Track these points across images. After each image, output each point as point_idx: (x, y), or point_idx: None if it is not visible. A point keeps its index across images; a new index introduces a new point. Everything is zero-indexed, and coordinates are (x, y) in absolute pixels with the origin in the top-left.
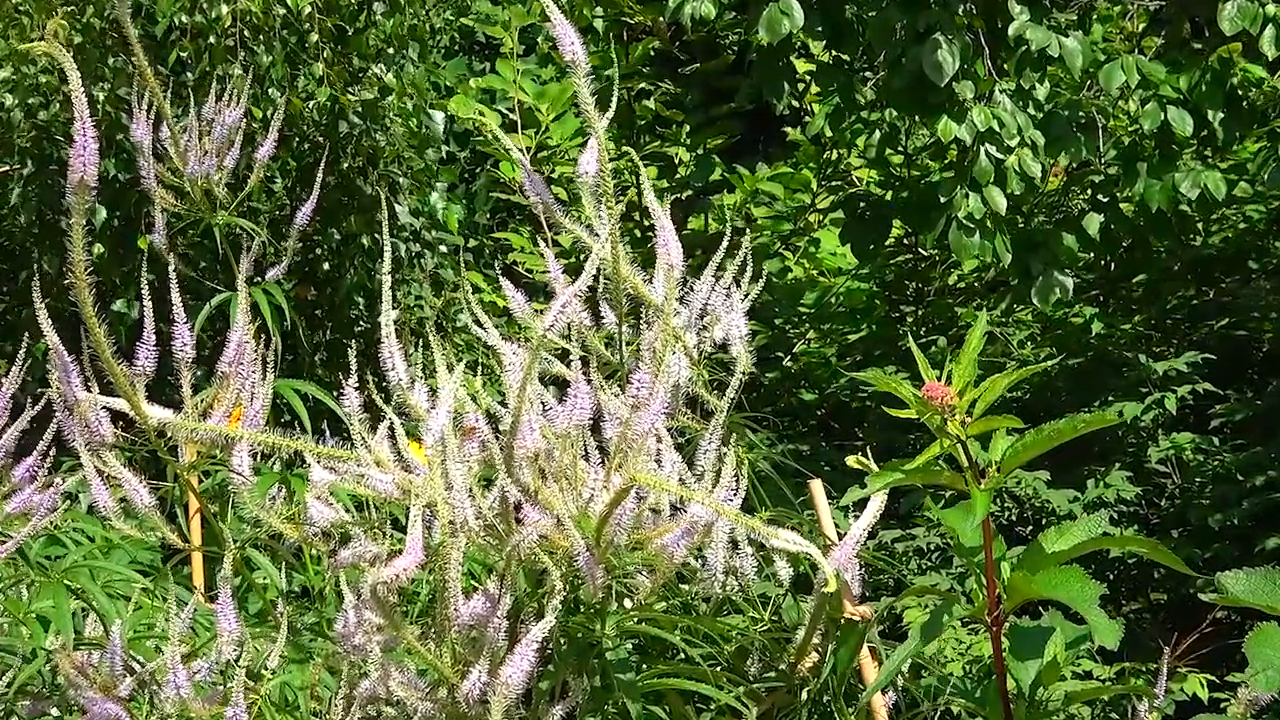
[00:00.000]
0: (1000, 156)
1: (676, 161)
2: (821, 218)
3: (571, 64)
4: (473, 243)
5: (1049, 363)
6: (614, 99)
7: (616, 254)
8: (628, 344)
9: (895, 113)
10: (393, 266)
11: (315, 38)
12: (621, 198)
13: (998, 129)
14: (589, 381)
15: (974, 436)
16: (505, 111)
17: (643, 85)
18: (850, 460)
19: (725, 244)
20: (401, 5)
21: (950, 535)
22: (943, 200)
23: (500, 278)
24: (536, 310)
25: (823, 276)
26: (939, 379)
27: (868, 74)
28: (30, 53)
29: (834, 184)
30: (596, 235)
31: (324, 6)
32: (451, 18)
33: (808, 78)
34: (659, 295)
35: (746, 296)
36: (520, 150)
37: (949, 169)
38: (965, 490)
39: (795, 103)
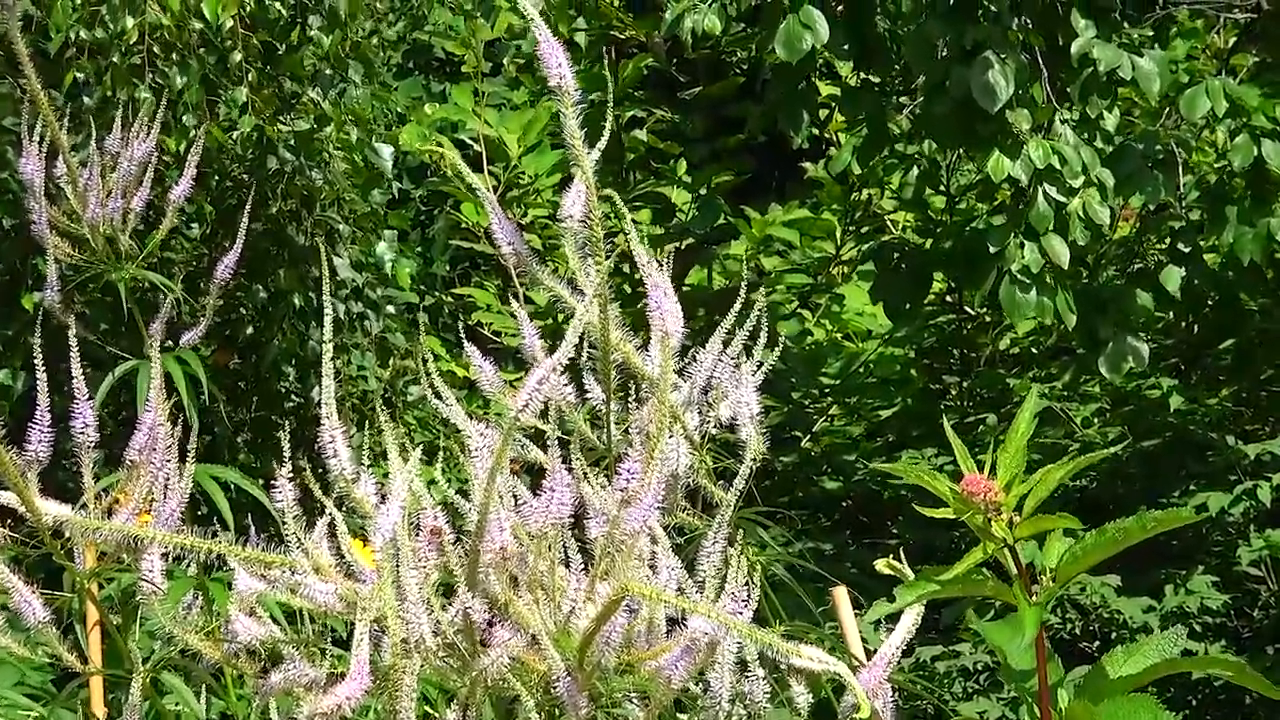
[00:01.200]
0: (1062, 199)
1: (674, 204)
2: (847, 270)
3: (558, 90)
4: (429, 300)
5: (1118, 446)
6: (605, 128)
7: (605, 317)
8: (617, 424)
9: (936, 146)
10: (331, 329)
11: (238, 57)
12: (610, 246)
13: (1059, 166)
14: (570, 470)
15: (1025, 538)
16: (469, 142)
17: (634, 112)
18: (880, 564)
19: (738, 303)
20: (342, 17)
21: (999, 654)
22: (993, 250)
23: (464, 341)
24: (506, 381)
25: (849, 341)
26: (984, 468)
27: (904, 99)
28: None
29: (862, 230)
30: (579, 292)
31: (249, 20)
32: (404, 31)
33: (831, 103)
34: (654, 367)
35: (759, 368)
36: (487, 190)
37: (999, 211)
38: (1015, 602)
39: (816, 132)
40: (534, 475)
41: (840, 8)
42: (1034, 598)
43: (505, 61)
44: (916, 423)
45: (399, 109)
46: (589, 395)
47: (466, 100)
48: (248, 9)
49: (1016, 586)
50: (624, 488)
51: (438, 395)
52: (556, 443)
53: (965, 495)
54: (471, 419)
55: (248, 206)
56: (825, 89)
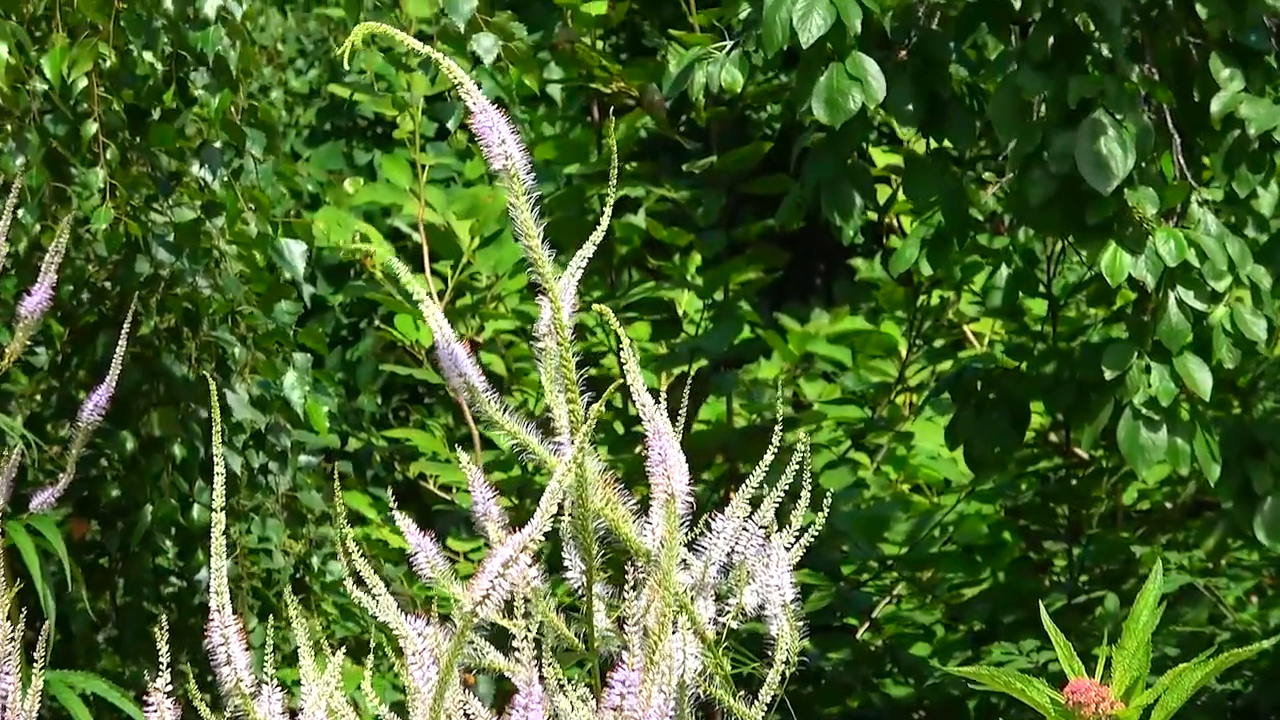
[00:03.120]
0: (1201, 306)
1: (681, 312)
2: (916, 400)
3: (503, 174)
4: (354, 444)
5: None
6: (605, 216)
7: (583, 475)
8: (605, 614)
9: (1033, 233)
10: (224, 489)
11: (95, 127)
12: (594, 368)
13: (1197, 263)
14: (541, 679)
15: None
16: (406, 230)
17: (626, 190)
18: None
19: (771, 448)
20: (234, 73)
21: None
22: (1110, 376)
23: (394, 511)
24: (458, 553)
25: (919, 494)
26: (1097, 669)
27: (988, 175)
28: None
29: (935, 345)
30: (553, 439)
31: (110, 78)
32: (317, 82)
33: (892, 176)
34: (654, 540)
35: (799, 538)
36: (429, 295)
37: (1116, 318)
38: None
39: (873, 214)
40: (496, 682)
41: (903, 53)
42: None
43: (452, 125)
44: (1011, 605)
45: (311, 187)
46: (566, 576)
47: (402, 174)
48: (108, 63)
49: None
50: (616, 706)
51: (358, 580)
52: (526, 639)
53: (1070, 707)
54: (412, 611)
55: (126, 325)
56: (883, 158)
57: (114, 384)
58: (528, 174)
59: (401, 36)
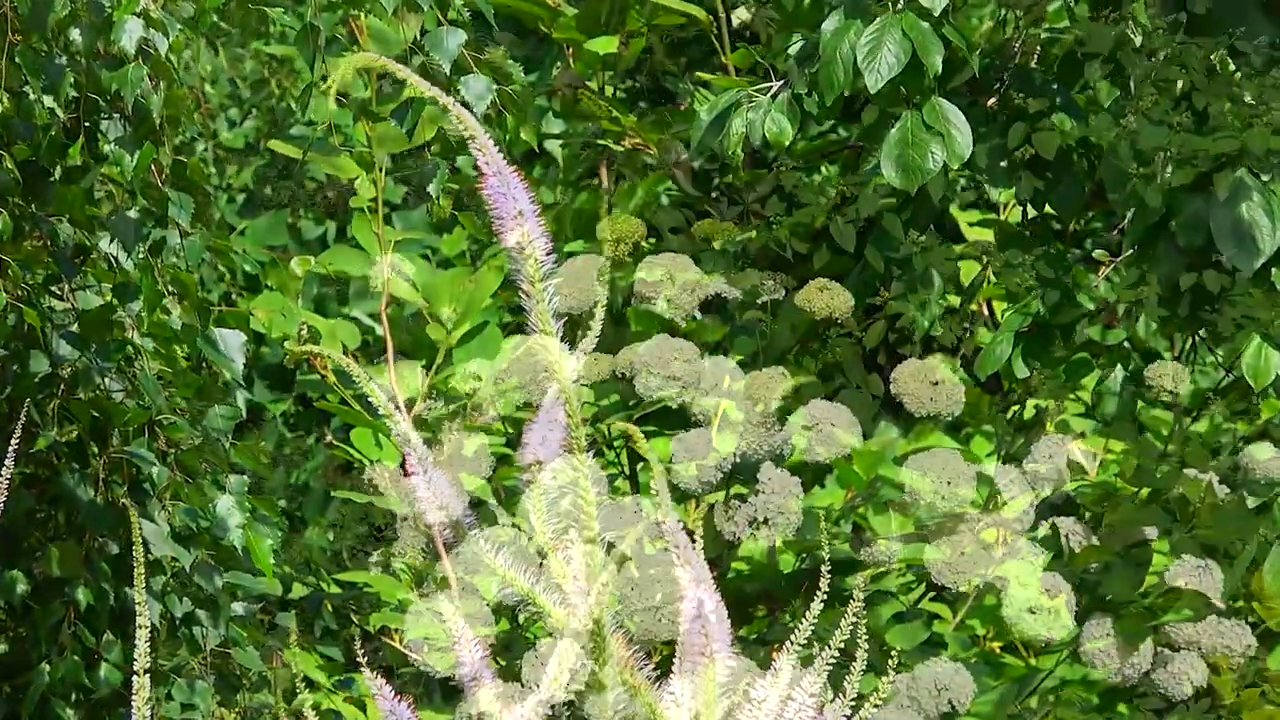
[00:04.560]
0: None
1: (717, 427)
2: (1011, 538)
3: (519, 255)
4: (299, 590)
5: None
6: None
7: (603, 634)
8: None
9: (1155, 325)
10: (145, 646)
11: None
12: (608, 493)
13: None
14: None
15: None
16: (368, 321)
17: (643, 274)
18: None
19: (819, 592)
20: (157, 121)
21: None
22: (1252, 504)
23: (361, 666)
24: None
25: (1012, 654)
26: None
27: (1098, 253)
28: None
29: (1035, 467)
30: (553, 583)
31: (1, 128)
32: (255, 134)
33: (981, 254)
34: (683, 713)
35: (857, 708)
36: (397, 408)
37: (1263, 434)
38: None
39: (953, 298)
40: None
41: (991, 101)
42: None
43: (434, 189)
44: None
45: (249, 267)
46: None
47: (373, 239)
48: None
49: None
50: None
51: None
52: None
53: None
54: None
55: (15, 438)
56: (973, 232)
57: None
58: (547, 255)
59: (405, 73)
